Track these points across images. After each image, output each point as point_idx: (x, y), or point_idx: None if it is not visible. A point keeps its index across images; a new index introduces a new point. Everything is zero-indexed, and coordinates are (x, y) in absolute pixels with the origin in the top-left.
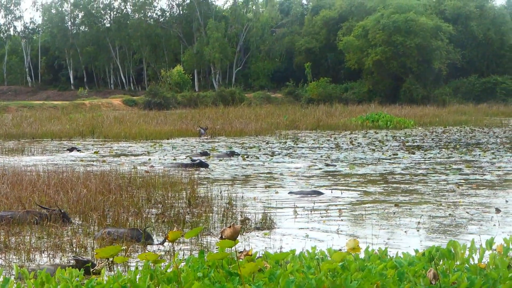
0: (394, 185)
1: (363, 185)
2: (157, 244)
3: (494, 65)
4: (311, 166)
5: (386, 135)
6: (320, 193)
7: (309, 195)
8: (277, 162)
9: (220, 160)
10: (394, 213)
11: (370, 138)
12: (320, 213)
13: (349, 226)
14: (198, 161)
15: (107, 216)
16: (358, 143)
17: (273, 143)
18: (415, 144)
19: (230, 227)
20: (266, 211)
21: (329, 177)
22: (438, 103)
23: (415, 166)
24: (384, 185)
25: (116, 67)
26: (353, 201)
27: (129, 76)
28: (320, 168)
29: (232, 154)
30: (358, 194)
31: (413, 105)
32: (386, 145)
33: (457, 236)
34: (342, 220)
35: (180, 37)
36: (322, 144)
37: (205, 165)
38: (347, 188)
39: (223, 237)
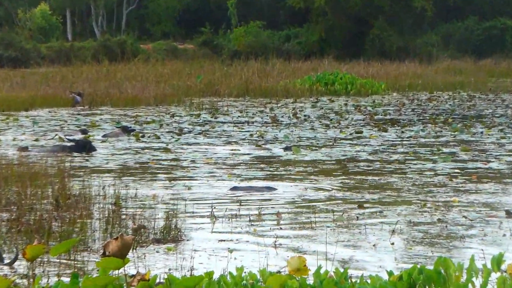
0: (358, 177)
1: (312, 177)
2: (6, 264)
3: (502, 3)
4: (235, 149)
5: (345, 105)
6: (272, 189)
7: (258, 192)
8: (187, 144)
9: (104, 141)
10: (357, 217)
11: (322, 108)
12: (250, 218)
13: (292, 237)
14: (78, 141)
15: None
16: (305, 116)
17: (181, 116)
18: (388, 117)
19: (117, 238)
20: (170, 216)
21: (262, 165)
22: (421, 58)
23: (388, 150)
24: (343, 177)
25: None
26: (297, 201)
27: None
28: (249, 153)
29: (125, 131)
30: (305, 190)
31: (385, 60)
32: (346, 119)
33: (450, 252)
34: (281, 228)
35: None
36: (252, 117)
37: (92, 148)
38: (289, 181)
39: (107, 253)
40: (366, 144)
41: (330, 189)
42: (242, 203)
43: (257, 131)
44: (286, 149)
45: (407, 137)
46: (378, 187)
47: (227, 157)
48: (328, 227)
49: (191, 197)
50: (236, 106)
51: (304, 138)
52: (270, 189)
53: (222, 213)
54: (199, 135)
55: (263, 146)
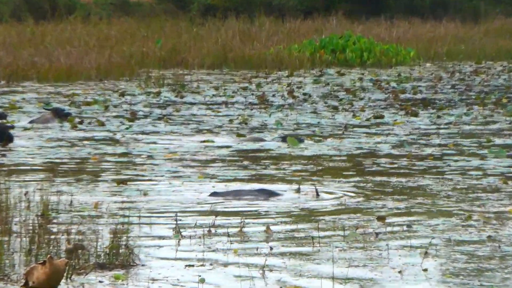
0: (377, 178)
1: (315, 178)
2: None
3: None
4: (209, 141)
5: (360, 80)
6: (272, 194)
7: (251, 196)
8: (143, 134)
9: (28, 130)
10: (376, 234)
11: (328, 84)
12: (229, 234)
13: (286, 260)
14: None
15: None
16: (304, 94)
17: (134, 95)
18: (419, 96)
19: (44, 263)
20: (119, 232)
21: (245, 162)
22: (464, 16)
23: (418, 141)
24: (357, 179)
25: None
26: (294, 211)
27: None
28: (227, 146)
29: (56, 115)
30: (306, 196)
31: (415, 19)
32: (361, 99)
33: (505, 282)
34: (271, 248)
35: None
36: (232, 96)
37: (10, 138)
38: (282, 184)
39: (31, 283)
40: (389, 134)
41: (340, 195)
42: (218, 214)
43: (239, 115)
44: (280, 140)
45: (445, 124)
46: (405, 193)
47: (197, 151)
48: (336, 247)
49: (148, 206)
50: (210, 82)
51: (304, 125)
52: (266, 193)
53: (191, 228)
54: (158, 121)
55: (247, 136)
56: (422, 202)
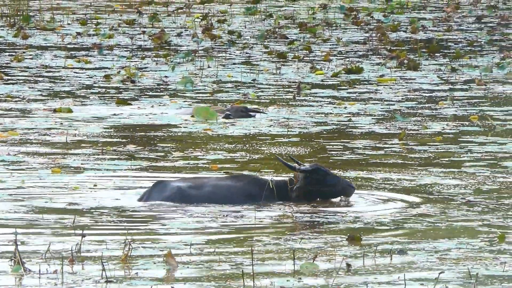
0: (351, 173)
1: (247, 171)
2: None
3: None
4: (66, 110)
5: (324, 7)
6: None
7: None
8: None
9: None
10: (348, 266)
11: (271, 16)
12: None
13: None
14: None
15: None
16: (230, 33)
17: None
18: (420, 36)
19: None
20: None
21: (131, 147)
22: None
23: (419, 111)
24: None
25: None
26: (213, 226)
27: None
28: (99, 119)
29: None
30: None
31: None
32: (326, 41)
33: None
34: None
35: None
36: (110, 36)
37: None
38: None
39: None
40: (370, 99)
41: (286, 203)
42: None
43: (121, 68)
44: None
45: (464, 83)
46: (395, 198)
47: (48, 129)
48: None
49: None
50: (71, 11)
51: (229, 85)
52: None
53: (40, 255)
54: None
55: (134, 103)
56: (422, 213)
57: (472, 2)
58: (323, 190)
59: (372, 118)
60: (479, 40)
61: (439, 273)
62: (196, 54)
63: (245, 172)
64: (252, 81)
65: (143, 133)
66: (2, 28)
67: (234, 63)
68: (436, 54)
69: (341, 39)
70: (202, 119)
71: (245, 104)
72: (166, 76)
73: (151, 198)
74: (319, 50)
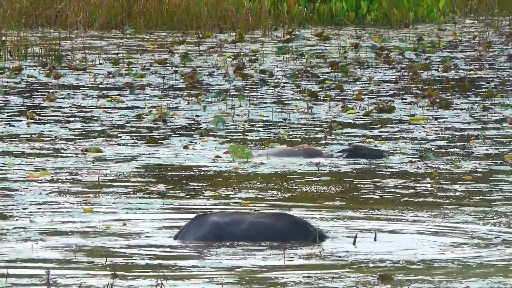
0: (382, 212)
1: (276, 203)
2: None
3: None
4: (97, 150)
5: (355, 47)
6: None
7: None
8: None
9: None
10: None
11: (303, 56)
12: None
13: None
14: None
15: None
16: (262, 72)
17: None
18: (452, 75)
19: None
20: None
21: (161, 186)
22: None
23: (451, 150)
24: (350, 214)
25: None
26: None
27: None
28: (131, 159)
29: None
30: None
31: None
32: (357, 80)
33: None
34: None
35: None
36: (142, 75)
37: None
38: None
39: None
40: (401, 138)
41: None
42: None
43: (153, 107)
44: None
45: (497, 121)
46: (429, 237)
47: (81, 168)
48: None
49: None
50: (103, 51)
51: (260, 123)
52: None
53: None
54: (18, 117)
55: (165, 143)
56: (454, 252)
57: (504, 41)
58: None
59: (403, 157)
60: (511, 78)
61: None
62: (228, 93)
63: (276, 210)
64: (283, 121)
65: (174, 172)
66: (34, 68)
67: (266, 102)
68: (468, 93)
69: (373, 78)
70: (237, 157)
71: (274, 144)
72: (197, 115)
73: (188, 232)
74: (350, 89)
